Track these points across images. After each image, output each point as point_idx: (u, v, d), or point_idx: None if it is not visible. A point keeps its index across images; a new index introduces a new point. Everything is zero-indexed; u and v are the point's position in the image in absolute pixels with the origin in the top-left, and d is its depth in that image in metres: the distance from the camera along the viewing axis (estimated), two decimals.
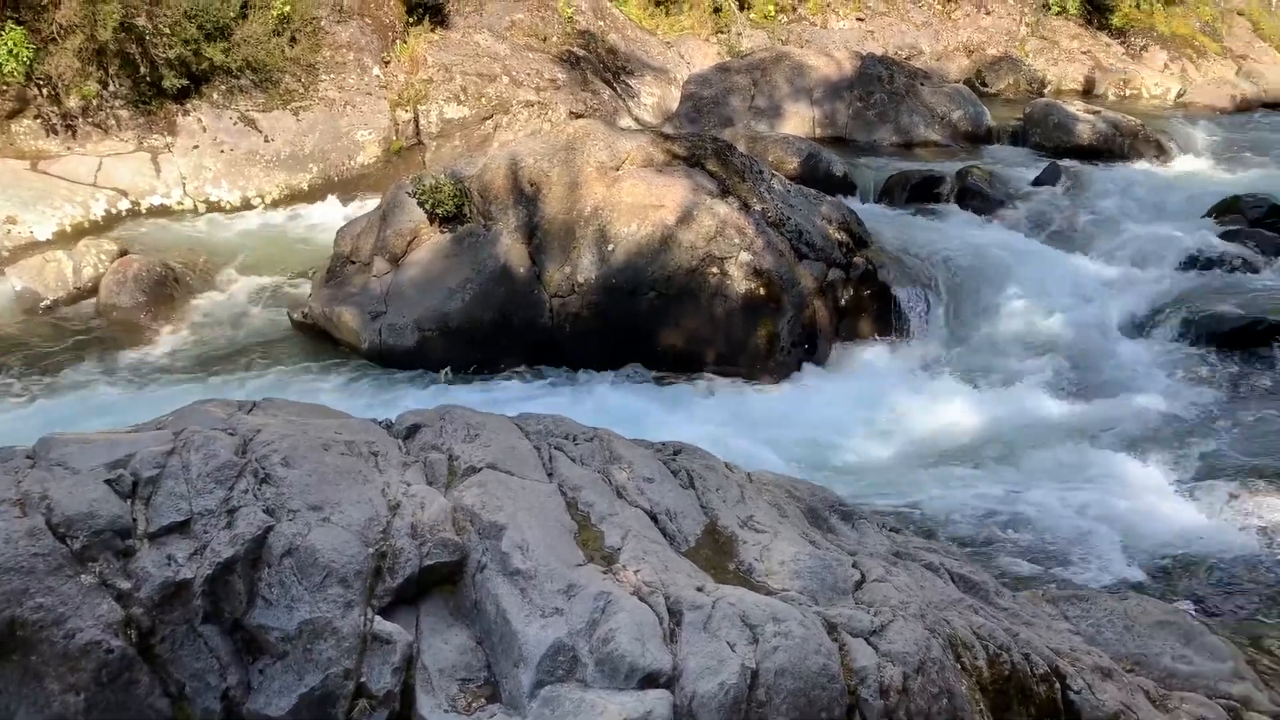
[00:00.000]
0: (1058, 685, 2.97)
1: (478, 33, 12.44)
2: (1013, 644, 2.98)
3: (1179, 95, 15.83)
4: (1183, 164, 11.62)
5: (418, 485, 3.02)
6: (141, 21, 9.66)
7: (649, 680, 2.51)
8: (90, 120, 9.74)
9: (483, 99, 11.64)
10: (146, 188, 9.78)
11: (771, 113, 12.09)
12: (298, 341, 7.35)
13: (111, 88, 9.85)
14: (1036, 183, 10.15)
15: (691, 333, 6.94)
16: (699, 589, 2.77)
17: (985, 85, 15.54)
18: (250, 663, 2.64)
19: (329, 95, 10.88)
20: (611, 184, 7.15)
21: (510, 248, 7.07)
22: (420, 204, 7.31)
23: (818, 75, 12.36)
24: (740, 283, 6.87)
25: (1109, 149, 11.58)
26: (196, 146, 10.11)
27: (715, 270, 6.89)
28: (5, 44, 9.07)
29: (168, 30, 9.76)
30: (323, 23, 11.14)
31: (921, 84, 12.63)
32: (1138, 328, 7.49)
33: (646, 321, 6.92)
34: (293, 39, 10.76)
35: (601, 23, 13.63)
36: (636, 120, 12.66)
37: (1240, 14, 18.84)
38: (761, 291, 6.90)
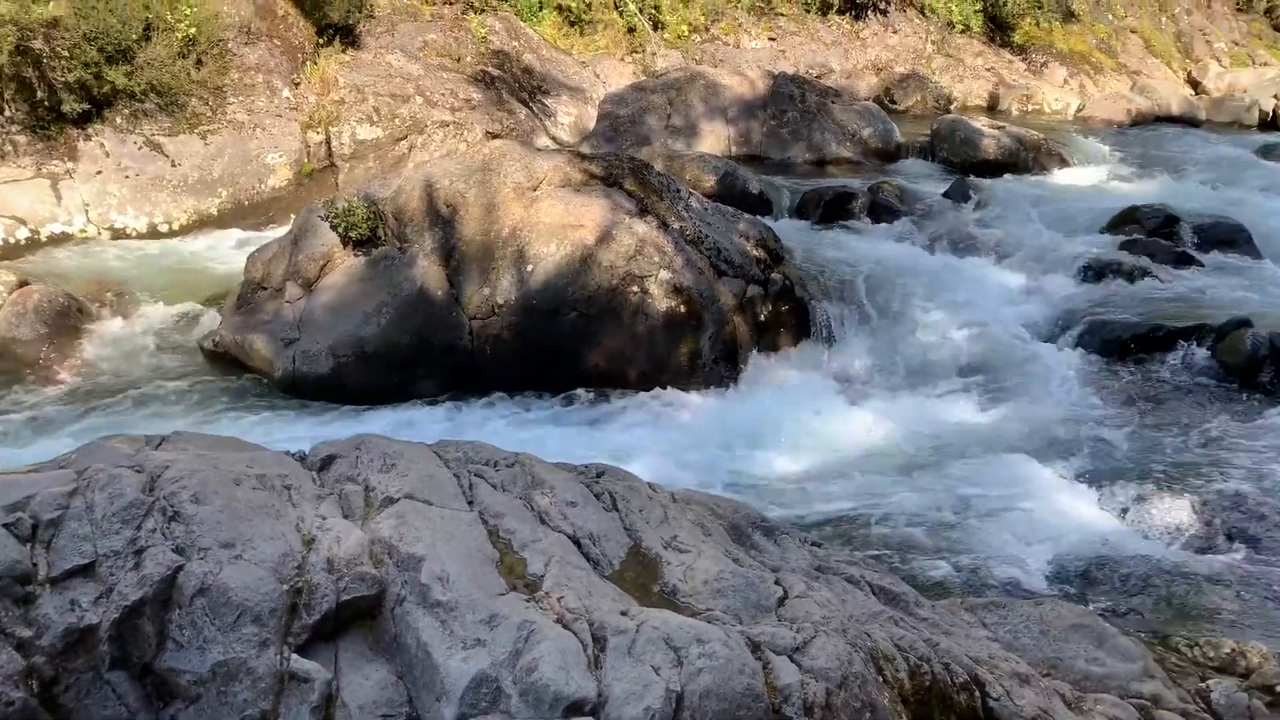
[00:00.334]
0: (977, 693, 3.02)
1: (390, 53, 12.33)
2: (933, 654, 3.03)
3: (1078, 110, 16.40)
4: (1083, 176, 12.03)
5: (333, 518, 2.96)
6: (38, 44, 9.36)
7: (574, 709, 2.49)
8: None
9: (396, 120, 11.53)
10: (46, 215, 9.46)
11: (688, 131, 12.20)
12: (208, 371, 7.16)
13: (8, 113, 9.52)
14: (945, 197, 10.41)
15: (614, 352, 6.94)
16: (623, 613, 2.75)
17: (894, 102, 15.90)
18: (161, 708, 2.55)
19: (237, 118, 10.67)
20: (529, 204, 7.13)
21: (427, 270, 7.00)
22: (333, 227, 7.19)
23: (732, 94, 12.51)
24: (661, 301, 6.90)
25: (1013, 163, 11.94)
26: (100, 172, 9.82)
27: (636, 289, 6.91)
28: None
29: (66, 54, 9.48)
30: (230, 44, 10.93)
31: (833, 102, 12.88)
32: (1045, 336, 7.70)
33: (569, 342, 6.91)
34: (199, 61, 10.53)
35: (516, 43, 13.62)
36: (553, 140, 12.66)
37: (1133, 32, 19.61)
38: (682, 309, 6.93)
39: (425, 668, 2.63)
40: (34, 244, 9.23)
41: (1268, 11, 21.93)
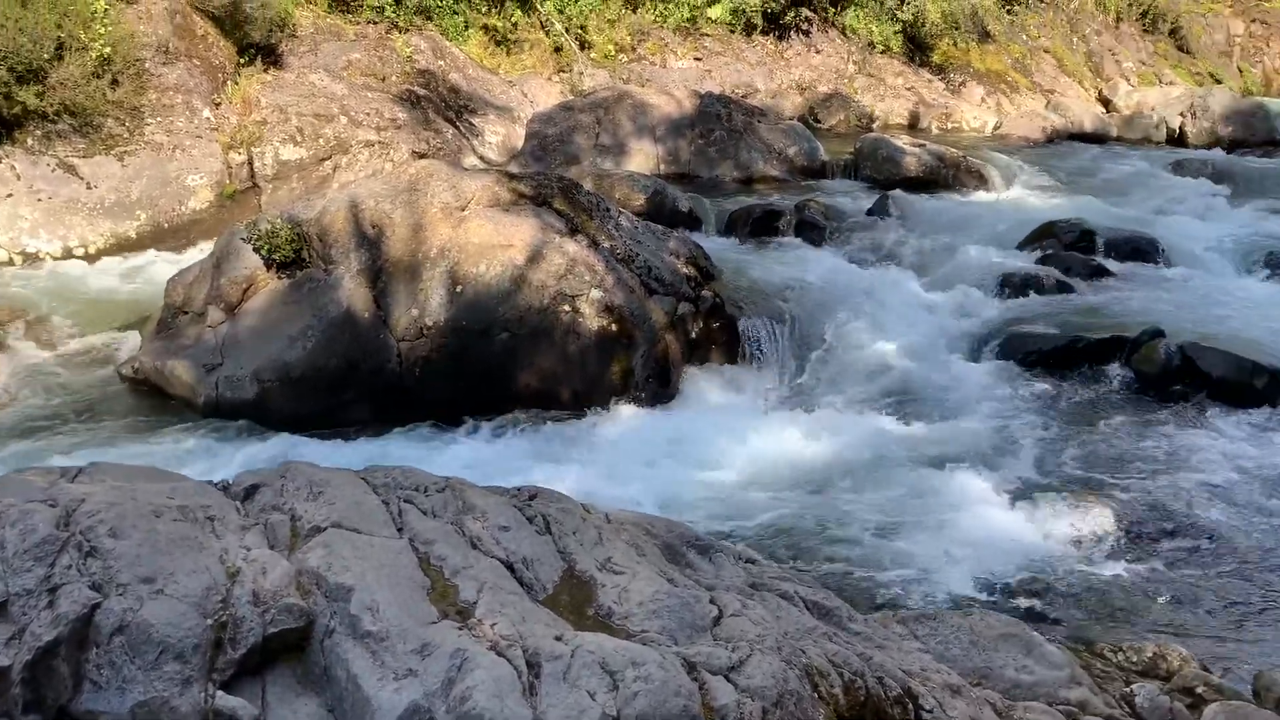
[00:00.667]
0: (911, 706, 3.05)
1: (313, 73, 12.18)
2: (866, 669, 3.05)
3: (995, 127, 16.83)
4: (1001, 192, 12.32)
5: (258, 549, 2.89)
6: None
7: None
8: None
9: (320, 140, 11.38)
10: None
11: (616, 150, 12.24)
12: (127, 399, 6.96)
13: None
14: (869, 213, 10.57)
15: (546, 371, 6.91)
16: (558, 638, 2.73)
17: (818, 121, 16.15)
18: None
19: (156, 139, 10.43)
20: (457, 225, 7.08)
21: (353, 292, 6.90)
22: (256, 249, 7.06)
23: (660, 113, 12.59)
24: (592, 320, 6.90)
25: (934, 180, 12.18)
26: (10, 195, 9.51)
27: (567, 308, 6.90)
28: None
29: None
30: (147, 64, 10.69)
31: (759, 121, 13.03)
32: (967, 350, 7.85)
33: (500, 362, 6.86)
34: (115, 81, 10.27)
35: (442, 62, 13.55)
36: (481, 159, 12.61)
37: (1046, 51, 20.20)
38: (614, 328, 6.94)
39: (356, 700, 2.58)
40: None
41: (1172, 33, 22.77)
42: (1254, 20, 24.77)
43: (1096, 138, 16.58)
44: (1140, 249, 9.81)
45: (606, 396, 6.91)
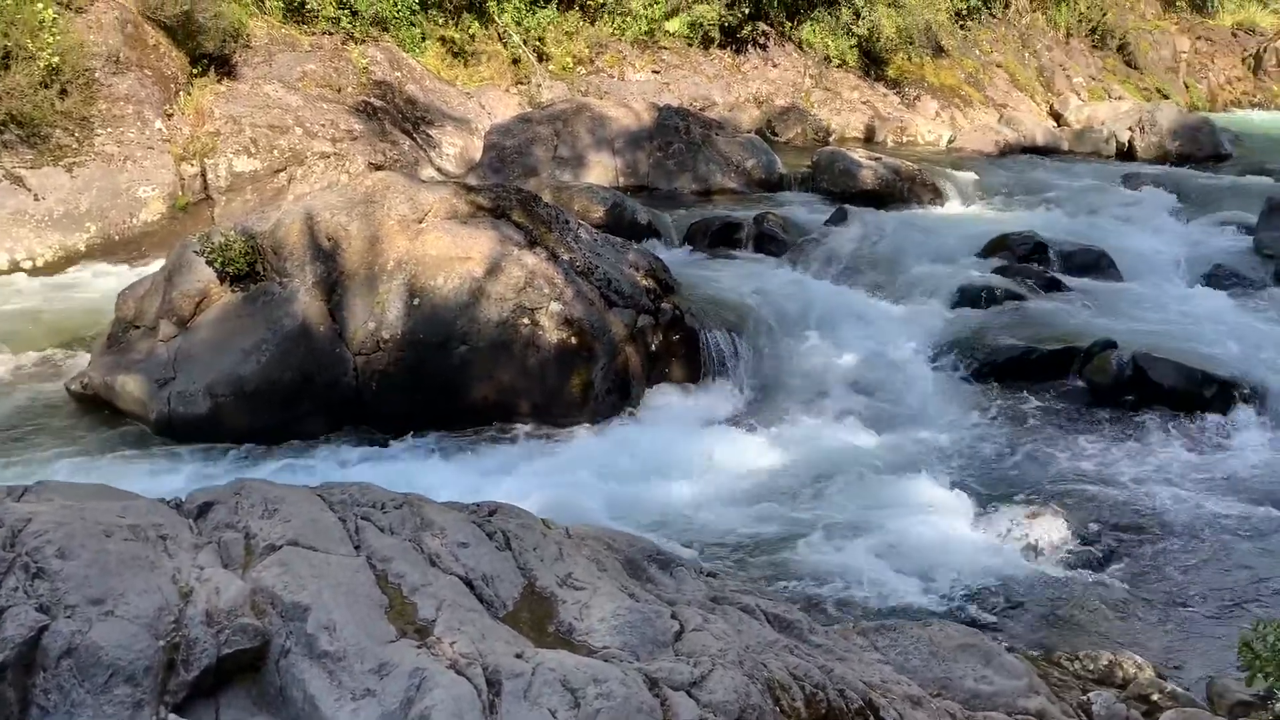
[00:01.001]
0: (872, 718, 3.05)
1: (268, 83, 12.06)
2: (828, 681, 3.05)
3: (950, 141, 17.04)
4: (956, 205, 12.48)
5: (212, 568, 2.83)
6: None
7: None
8: None
9: (275, 151, 11.26)
10: None
11: (575, 162, 12.24)
12: (77, 415, 6.81)
13: None
14: (827, 226, 10.65)
15: (505, 385, 6.87)
16: (518, 656, 2.70)
17: (775, 134, 16.26)
18: None
19: (106, 150, 10.26)
20: (415, 237, 7.03)
21: (308, 305, 6.82)
22: (209, 262, 6.96)
23: (618, 126, 12.61)
24: (552, 332, 6.87)
25: (890, 193, 12.30)
26: None
27: (526, 321, 6.87)
28: None
29: None
30: (97, 74, 10.52)
31: (717, 134, 13.10)
32: (924, 362, 7.92)
33: (458, 375, 6.81)
34: (63, 91, 10.10)
35: (398, 73, 13.48)
36: (439, 171, 12.54)
37: (999, 66, 20.51)
38: (573, 340, 6.91)
39: None
40: None
41: (1120, 49, 23.22)
42: (1199, 37, 25.35)
43: (1048, 151, 16.83)
44: (1092, 261, 9.97)
45: (566, 409, 6.88)
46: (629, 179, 12.27)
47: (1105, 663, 3.98)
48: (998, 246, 10.12)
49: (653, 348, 7.40)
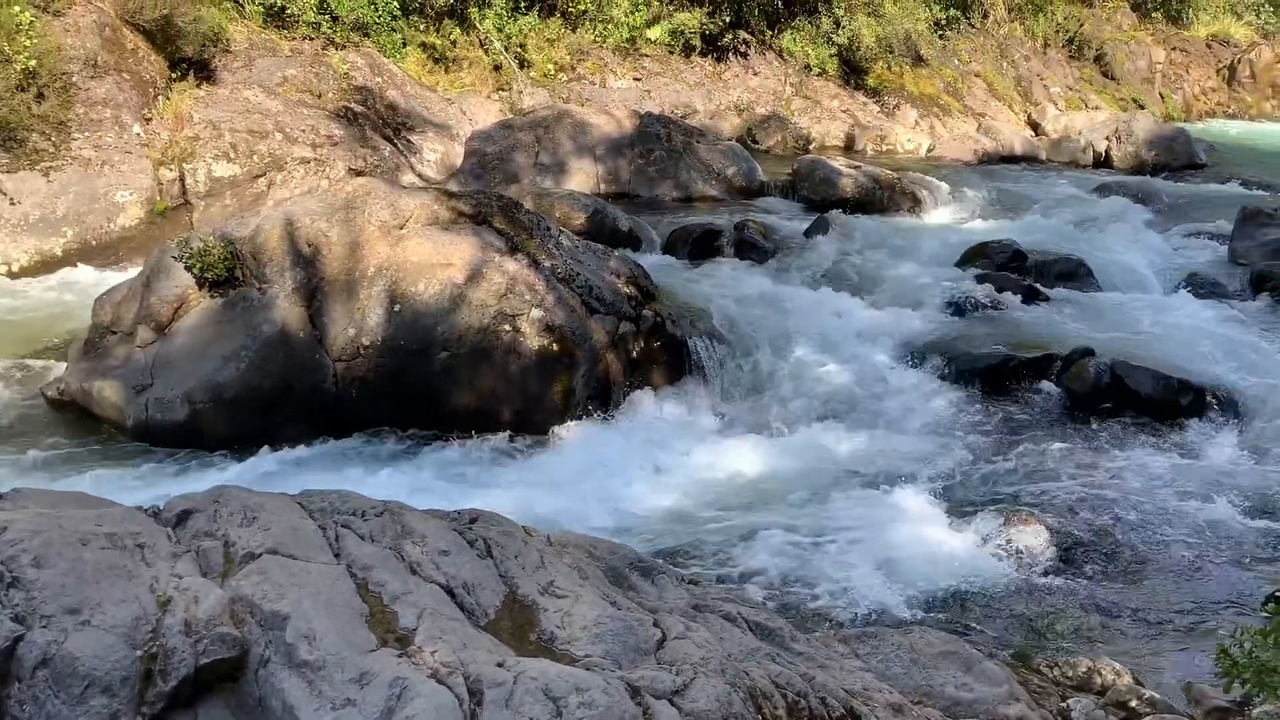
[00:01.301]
0: None
1: (248, 88, 11.99)
2: (809, 689, 3.06)
3: (929, 150, 17.15)
4: (935, 213, 12.55)
5: (190, 577, 2.81)
6: None
7: None
8: None
9: (255, 156, 11.20)
10: None
11: (556, 169, 12.23)
12: (53, 422, 6.74)
13: None
14: (807, 234, 10.69)
15: (486, 392, 6.85)
16: (500, 664, 2.69)
17: (756, 142, 16.31)
18: None
19: (84, 154, 10.18)
20: (395, 243, 7.01)
21: (288, 311, 6.78)
22: (188, 268, 6.91)
23: (600, 133, 12.62)
24: (533, 339, 6.86)
25: (870, 201, 12.37)
26: None
27: (507, 327, 6.86)
28: None
29: None
30: (75, 78, 10.43)
31: (698, 141, 13.13)
32: (904, 369, 7.96)
33: (439, 382, 6.79)
34: (40, 95, 10.01)
35: (379, 79, 13.43)
36: (420, 177, 12.51)
37: (977, 75, 20.67)
38: (554, 347, 6.90)
39: None
40: None
41: (1097, 59, 23.45)
42: (1174, 48, 25.63)
43: (1026, 160, 16.98)
44: (1070, 270, 10.05)
45: (548, 416, 6.87)
46: (610, 186, 12.27)
47: (1084, 669, 4.00)
48: (977, 255, 10.18)
49: (634, 355, 7.40)
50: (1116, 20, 25.02)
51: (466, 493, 5.71)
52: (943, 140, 17.41)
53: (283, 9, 13.35)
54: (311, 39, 13.40)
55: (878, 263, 9.92)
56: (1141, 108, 21.89)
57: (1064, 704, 3.70)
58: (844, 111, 17.83)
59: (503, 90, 15.12)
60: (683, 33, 17.04)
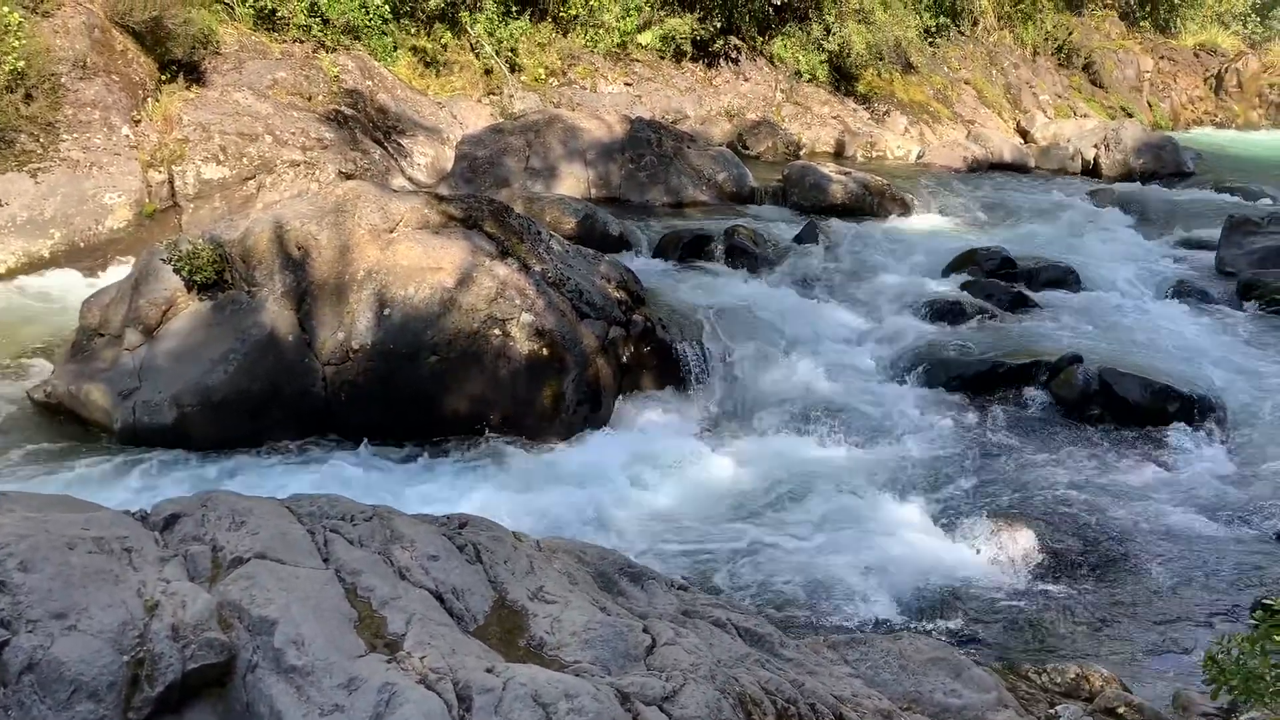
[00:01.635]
0: None
1: (237, 91, 11.96)
2: (799, 695, 3.06)
3: (919, 156, 17.21)
4: (925, 220, 12.60)
5: (178, 582, 2.79)
6: None
7: None
8: None
9: (244, 159, 11.17)
10: None
11: (547, 174, 12.23)
12: (40, 425, 6.70)
13: None
14: (797, 240, 10.72)
15: (476, 396, 6.84)
16: (489, 670, 2.68)
17: (746, 148, 16.34)
18: None
19: (72, 156, 10.13)
20: (385, 247, 6.99)
21: (277, 314, 6.76)
22: (176, 270, 6.88)
23: (590, 137, 12.62)
24: (523, 344, 6.85)
25: (860, 207, 12.41)
26: None
27: (497, 332, 6.85)
28: None
29: None
30: (63, 79, 10.39)
31: (688, 147, 13.14)
32: (894, 375, 7.98)
33: (429, 386, 6.77)
34: (28, 96, 9.97)
35: (370, 82, 13.42)
36: (410, 180, 12.49)
37: (967, 83, 20.76)
38: (545, 352, 6.90)
39: None
40: None
41: (1086, 67, 23.58)
42: (1162, 57, 25.81)
43: (1015, 168, 17.05)
44: (1058, 276, 10.11)
45: (537, 421, 6.86)
46: (601, 191, 12.28)
47: (1072, 675, 4.01)
48: (966, 261, 10.22)
49: (624, 359, 7.40)
50: (1105, 29, 25.18)
51: (456, 497, 5.70)
52: (932, 147, 17.47)
53: (273, 12, 13.33)
54: (302, 42, 13.38)
55: (867, 269, 9.95)
56: (1130, 116, 22.03)
57: (1052, 710, 3.70)
58: (834, 118, 17.89)
59: (493, 94, 15.13)
60: (674, 38, 17.07)
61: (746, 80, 17.94)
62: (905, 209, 12.73)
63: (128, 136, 10.60)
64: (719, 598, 4.02)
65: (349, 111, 12.66)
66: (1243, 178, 16.00)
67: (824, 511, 5.92)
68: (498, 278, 6.99)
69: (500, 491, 5.99)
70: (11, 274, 9.36)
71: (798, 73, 18.17)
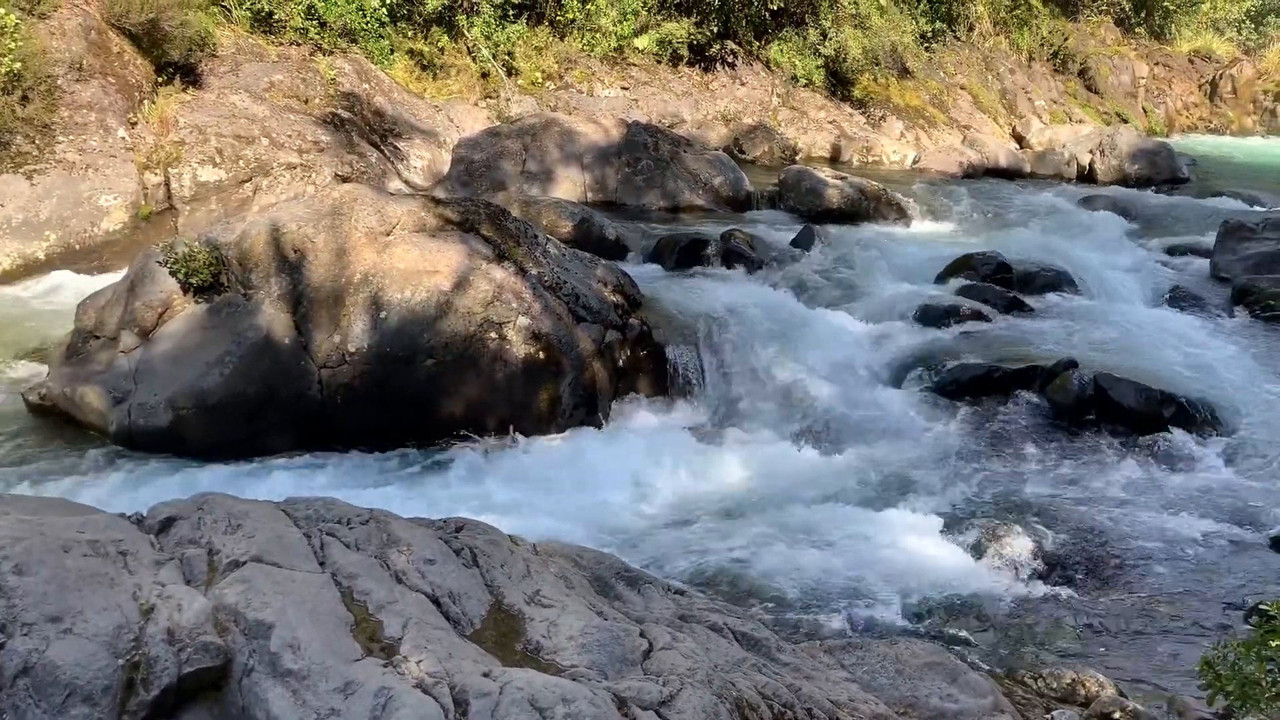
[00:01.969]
0: None
1: (234, 93, 11.95)
2: (796, 700, 3.06)
3: (915, 161, 17.23)
4: (921, 225, 12.61)
5: (174, 585, 2.79)
6: None
7: None
8: None
9: (240, 161, 11.16)
10: None
11: (543, 177, 12.23)
12: (34, 427, 6.69)
13: None
14: (794, 244, 10.72)
15: (472, 399, 6.83)
16: (486, 674, 2.68)
17: (743, 152, 16.35)
18: None
19: (68, 158, 10.12)
20: (382, 250, 6.99)
21: (273, 317, 6.75)
22: (172, 273, 6.87)
23: (587, 141, 12.62)
24: (519, 347, 6.85)
25: (856, 212, 12.41)
26: None
27: (494, 335, 6.84)
28: None
29: None
30: (60, 81, 10.38)
31: (685, 151, 13.15)
32: (890, 380, 7.98)
33: (425, 390, 6.76)
34: (24, 98, 9.95)
35: (366, 85, 13.42)
36: (407, 183, 12.49)
37: (963, 88, 20.80)
38: (541, 355, 6.90)
39: None
40: None
41: (1081, 73, 23.65)
42: (1157, 63, 25.88)
43: (1011, 173, 17.07)
44: (1054, 282, 10.12)
45: (534, 424, 6.86)
46: (597, 195, 12.27)
47: (1068, 681, 4.01)
48: (961, 266, 10.23)
49: (620, 363, 7.40)
50: (1100, 35, 25.26)
51: (452, 501, 5.69)
52: (928, 152, 17.49)
53: (270, 14, 13.33)
54: (299, 44, 13.37)
55: (863, 274, 9.94)
56: (1125, 121, 22.09)
57: (1048, 715, 3.71)
58: (830, 122, 17.91)
59: (490, 98, 15.12)
60: (670, 42, 17.09)
61: (743, 85, 17.96)
62: (901, 214, 12.73)
63: (124, 139, 10.59)
64: (715, 602, 4.01)
65: (345, 114, 12.66)
66: (1237, 184, 16.04)
67: (820, 516, 5.92)
68: (494, 281, 6.99)
69: (496, 495, 5.99)
70: (7, 276, 9.34)
71: (794, 77, 18.19)
